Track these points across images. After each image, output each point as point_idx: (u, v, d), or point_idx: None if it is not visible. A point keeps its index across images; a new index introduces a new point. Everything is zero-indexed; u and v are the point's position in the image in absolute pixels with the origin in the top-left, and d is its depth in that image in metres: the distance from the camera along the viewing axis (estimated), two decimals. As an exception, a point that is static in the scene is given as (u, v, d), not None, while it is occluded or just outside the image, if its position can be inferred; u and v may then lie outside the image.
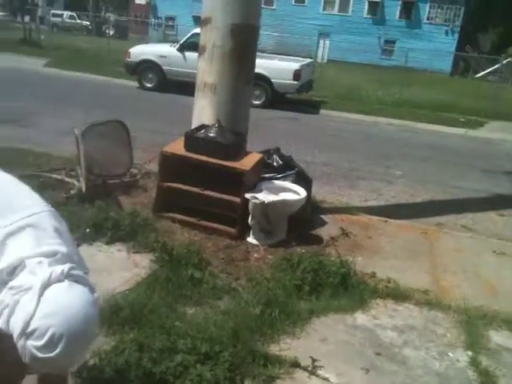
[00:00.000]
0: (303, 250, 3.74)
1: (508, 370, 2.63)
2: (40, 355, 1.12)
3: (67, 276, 1.19)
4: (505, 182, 7.05)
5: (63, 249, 1.27)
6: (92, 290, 1.25)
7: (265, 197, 3.86)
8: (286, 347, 2.57)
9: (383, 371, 2.51)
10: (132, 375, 2.03)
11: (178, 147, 4.05)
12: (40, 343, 1.12)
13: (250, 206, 3.85)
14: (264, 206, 3.82)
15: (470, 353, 2.75)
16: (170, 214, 4.02)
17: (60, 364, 1.18)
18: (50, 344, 1.12)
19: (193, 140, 4.00)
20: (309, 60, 13.80)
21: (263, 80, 11.10)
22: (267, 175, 4.34)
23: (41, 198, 1.41)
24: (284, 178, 4.33)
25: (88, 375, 1.97)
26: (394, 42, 31.58)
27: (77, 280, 1.22)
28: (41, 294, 1.14)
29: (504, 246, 4.32)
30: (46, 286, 1.16)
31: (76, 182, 4.22)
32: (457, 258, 4.02)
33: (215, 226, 3.93)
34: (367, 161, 7.43)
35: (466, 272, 3.76)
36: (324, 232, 4.24)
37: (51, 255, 1.23)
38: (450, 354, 2.73)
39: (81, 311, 1.16)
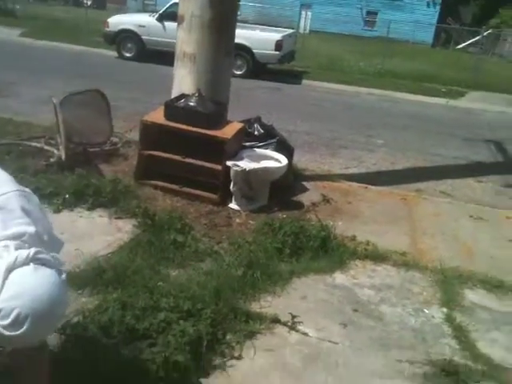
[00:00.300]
0: (284, 215, 3.80)
1: (481, 326, 2.74)
2: (6, 333, 1.17)
3: (33, 260, 1.22)
4: (484, 150, 7.16)
5: (31, 229, 1.28)
6: (59, 271, 1.28)
7: (246, 164, 3.89)
8: (267, 305, 2.64)
9: (360, 326, 2.60)
10: (115, 331, 2.08)
11: (158, 116, 4.04)
12: (5, 322, 1.16)
13: (232, 173, 3.88)
14: (245, 173, 3.85)
15: (444, 310, 2.85)
16: (152, 182, 4.03)
17: (26, 341, 1.23)
18: (16, 323, 1.16)
19: (173, 109, 3.99)
20: (291, 30, 13.68)
21: (245, 50, 11.00)
22: (248, 144, 4.36)
23: (10, 177, 1.42)
24: (265, 147, 4.35)
25: (72, 332, 2.01)
26: (375, 14, 31.32)
27: (43, 263, 1.24)
28: (5, 277, 1.17)
29: (481, 211, 4.42)
30: (10, 270, 1.18)
31: (55, 151, 4.18)
32: (435, 222, 4.11)
33: (197, 192, 3.95)
34: (349, 130, 7.47)
35: (444, 235, 3.86)
36: (305, 198, 4.30)
37: (18, 237, 1.25)
38: (425, 310, 2.82)
39: (46, 292, 1.20)
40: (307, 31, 27.76)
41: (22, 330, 1.16)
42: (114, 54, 12.52)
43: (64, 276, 1.28)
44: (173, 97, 4.25)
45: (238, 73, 10.79)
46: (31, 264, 1.21)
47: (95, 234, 3.16)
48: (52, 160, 4.08)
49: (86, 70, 10.07)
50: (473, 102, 11.34)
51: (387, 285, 3.04)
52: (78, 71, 9.61)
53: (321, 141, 6.69)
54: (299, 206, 4.13)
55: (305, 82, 12.05)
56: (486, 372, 2.32)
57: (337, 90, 11.39)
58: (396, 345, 2.48)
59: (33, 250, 1.23)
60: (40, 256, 1.24)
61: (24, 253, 1.21)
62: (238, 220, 3.74)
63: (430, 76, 13.81)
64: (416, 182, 5.37)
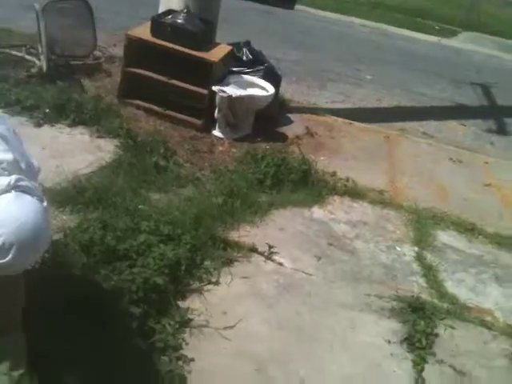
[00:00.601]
0: (267, 146, 3.78)
1: (449, 266, 2.86)
2: None
3: (14, 187, 1.19)
4: (470, 92, 7.12)
5: (9, 156, 1.24)
6: (41, 199, 1.25)
7: (232, 91, 3.81)
8: (245, 234, 2.70)
9: (334, 259, 2.69)
10: (96, 250, 2.11)
11: (144, 32, 3.87)
12: None
13: (217, 99, 3.80)
14: (231, 100, 3.78)
15: (416, 248, 2.96)
16: (135, 101, 3.93)
17: (11, 269, 1.22)
18: (1, 252, 1.14)
19: (159, 25, 3.82)
20: (287, -51, 12.96)
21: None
22: (236, 69, 4.24)
23: None
24: (253, 73, 4.24)
25: (53, 249, 2.03)
26: None
27: (24, 190, 1.21)
28: None
29: (461, 155, 4.48)
30: None
31: (37, 61, 4.01)
32: (414, 162, 4.17)
33: (181, 116, 3.88)
34: (338, 62, 7.31)
35: (422, 176, 3.93)
36: (289, 130, 4.27)
37: None
38: (397, 248, 2.93)
39: (30, 220, 1.18)
40: (303, -49, 26.36)
41: (7, 259, 1.16)
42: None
43: (45, 204, 1.27)
44: (160, 12, 4.06)
45: (229, -9, 10.29)
46: (13, 191, 1.18)
47: (76, 151, 3.12)
48: (33, 70, 3.92)
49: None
50: (464, 42, 11.13)
51: (363, 221, 3.13)
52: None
53: (309, 71, 6.54)
54: (283, 137, 4.11)
55: (298, 7, 11.58)
56: (450, 310, 2.45)
57: (330, 18, 11.01)
58: (367, 279, 2.59)
59: (14, 177, 1.20)
60: (21, 183, 1.21)
61: (5, 180, 1.18)
62: (220, 148, 3.72)
63: (425, 11, 13.41)
64: (400, 121, 5.36)
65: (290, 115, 4.59)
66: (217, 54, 3.90)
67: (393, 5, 13.34)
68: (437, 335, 2.27)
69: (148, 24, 3.88)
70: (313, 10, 11.42)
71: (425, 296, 2.54)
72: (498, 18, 14.58)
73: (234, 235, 2.66)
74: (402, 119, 5.44)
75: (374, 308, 2.39)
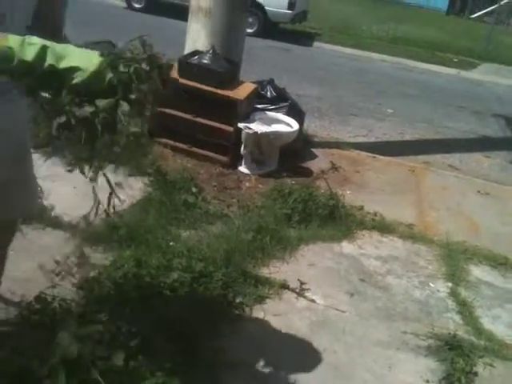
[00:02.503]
0: (293, 182, 3.81)
1: (485, 302, 2.79)
2: None
3: None
4: (493, 124, 7.10)
5: None
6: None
7: (258, 127, 3.86)
8: (276, 270, 2.68)
9: (367, 296, 2.65)
10: (130, 288, 2.11)
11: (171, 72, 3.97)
12: None
13: (243, 135, 3.85)
14: (257, 137, 3.83)
15: (449, 284, 2.90)
16: (162, 140, 4.00)
17: None
18: None
19: (186, 66, 3.92)
20: (305, -11, 13.30)
21: (257, 7, 10.72)
22: (260, 106, 4.32)
23: None
24: (277, 110, 4.31)
25: (88, 287, 2.04)
26: (392, -24, 30.44)
27: None
28: None
29: (488, 187, 4.43)
30: None
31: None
32: (442, 195, 4.13)
33: (208, 153, 3.94)
34: (359, 97, 7.38)
35: (450, 209, 3.88)
36: (314, 165, 4.29)
37: None
38: (430, 284, 2.87)
39: None
40: (320, -10, 26.98)
41: None
42: (123, 4, 12.20)
43: None
44: (186, 53, 4.17)
45: (249, 31, 10.52)
46: None
47: (108, 190, 3.15)
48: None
49: (90, 18, 9.83)
50: (484, 74, 11.15)
51: (393, 256, 3.09)
52: (80, 18, 9.38)
53: (330, 107, 6.61)
54: (308, 172, 4.13)
55: (316, 44, 11.80)
56: (488, 347, 2.38)
57: (348, 54, 11.18)
58: (401, 316, 2.53)
59: None
60: None
61: None
62: (247, 184, 3.74)
63: (443, 44, 13.52)
64: (424, 154, 5.35)
65: (314, 150, 4.62)
66: (242, 92, 3.97)
67: (411, 39, 13.51)
68: (476, 374, 2.20)
69: (175, 65, 4.00)
70: (330, 47, 11.62)
71: (461, 333, 2.47)
72: (516, 50, 14.61)
73: (264, 271, 2.65)
74: (425, 152, 5.43)
75: (410, 346, 2.33)
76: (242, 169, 3.91)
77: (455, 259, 3.14)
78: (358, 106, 6.90)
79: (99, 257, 2.40)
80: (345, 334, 2.33)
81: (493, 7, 26.34)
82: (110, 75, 1.10)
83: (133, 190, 3.21)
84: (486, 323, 2.60)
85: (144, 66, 1.18)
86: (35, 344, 1.58)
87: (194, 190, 3.29)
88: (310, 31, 12.89)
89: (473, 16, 28.01)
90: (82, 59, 1.08)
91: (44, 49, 1.06)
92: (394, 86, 8.64)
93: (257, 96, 4.30)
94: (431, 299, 2.72)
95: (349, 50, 11.44)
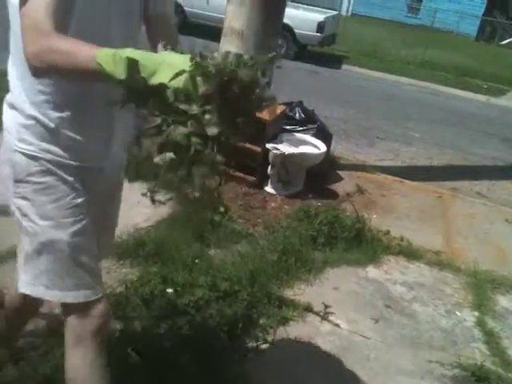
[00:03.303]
0: (319, 203, 3.80)
1: (512, 332, 2.73)
2: None
3: None
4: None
5: None
6: None
7: (285, 148, 3.89)
8: (300, 292, 2.67)
9: (392, 323, 2.61)
10: (156, 304, 2.13)
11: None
12: None
13: (271, 156, 3.88)
14: (284, 158, 3.86)
15: (476, 313, 2.84)
16: (191, 158, 4.05)
17: None
18: None
19: (216, 86, 3.98)
20: (334, 12, 13.42)
21: (286, 29, 10.84)
22: (288, 127, 4.35)
23: None
24: (305, 132, 4.34)
25: (115, 301, 2.07)
26: (421, 1, 30.50)
27: None
28: None
29: (517, 216, 4.36)
30: None
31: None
32: (470, 223, 4.07)
33: (235, 173, 3.97)
34: (386, 120, 7.37)
35: (478, 237, 3.82)
36: (340, 187, 4.29)
37: None
38: (457, 312, 2.82)
39: None
40: (349, 14, 27.23)
41: None
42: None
43: None
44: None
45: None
46: None
47: (134, 205, 3.21)
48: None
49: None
50: (514, 101, 11.04)
51: (420, 283, 3.04)
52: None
53: (357, 129, 6.62)
54: (334, 194, 4.13)
55: (344, 67, 11.87)
56: (516, 380, 2.32)
57: (376, 77, 11.21)
58: (427, 344, 2.49)
59: None
60: None
61: None
62: (273, 204, 3.76)
63: (472, 70, 13.46)
64: (451, 180, 5.29)
65: (339, 172, 4.62)
66: (270, 113, 4.01)
67: (440, 64, 13.48)
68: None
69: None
70: (358, 70, 11.67)
71: (488, 364, 2.41)
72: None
73: (288, 293, 2.64)
74: (453, 178, 5.37)
75: (435, 375, 2.29)
76: (268, 189, 3.93)
77: (482, 288, 3.08)
78: (385, 129, 6.89)
79: (126, 271, 2.43)
80: (369, 360, 2.30)
81: (522, 34, 26.22)
82: (202, 89, 0.98)
83: (159, 206, 3.25)
84: (514, 356, 2.53)
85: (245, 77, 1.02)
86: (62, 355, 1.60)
87: (220, 208, 3.31)
88: (338, 54, 12.98)
89: (503, 43, 27.89)
90: (171, 73, 0.98)
91: (135, 62, 0.99)
92: (421, 110, 8.61)
93: (285, 117, 4.34)
94: (457, 328, 2.67)
95: (376, 74, 11.47)
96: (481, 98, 10.91)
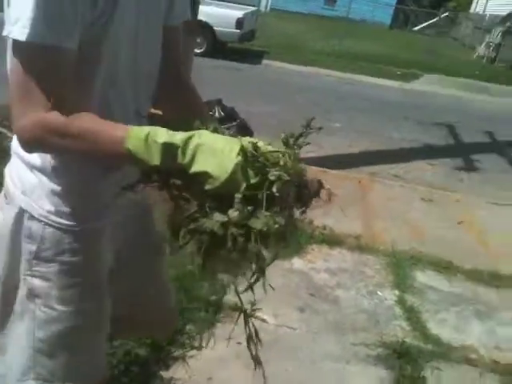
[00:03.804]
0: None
1: (431, 306, 2.88)
2: None
3: None
4: (436, 132, 7.38)
5: None
6: None
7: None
8: (227, 292, 2.69)
9: (317, 311, 2.69)
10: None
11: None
12: None
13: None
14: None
15: (397, 292, 2.98)
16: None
17: None
18: None
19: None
20: (252, 8, 13.53)
21: (205, 27, 10.83)
22: (208, 126, 4.35)
23: None
24: (225, 129, 4.35)
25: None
26: (336, -8, 31.39)
27: None
28: None
29: (432, 194, 4.60)
30: None
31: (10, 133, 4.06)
32: (387, 205, 4.25)
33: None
34: (308, 113, 7.53)
35: (396, 218, 4.00)
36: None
37: None
38: (378, 293, 2.95)
39: None
40: (268, 9, 27.54)
41: None
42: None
43: None
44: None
45: (198, 51, 10.63)
46: None
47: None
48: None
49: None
50: (427, 85, 11.62)
51: (342, 269, 3.15)
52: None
53: (280, 124, 6.72)
54: (258, 190, 4.18)
55: (265, 62, 12.02)
56: (435, 351, 2.46)
57: (296, 71, 11.43)
58: (350, 328, 2.59)
59: None
60: None
61: None
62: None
63: (387, 58, 14.04)
64: (371, 165, 5.51)
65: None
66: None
67: (356, 53, 13.95)
68: (424, 379, 2.27)
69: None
70: (279, 64, 11.86)
71: (409, 339, 2.54)
72: (457, 60, 15.33)
73: (215, 295, 2.65)
74: (372, 163, 5.59)
75: (360, 357, 2.38)
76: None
77: (401, 266, 3.23)
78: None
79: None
80: (296, 351, 2.36)
81: (433, 20, 27.63)
82: (244, 184, 0.87)
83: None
84: (433, 328, 2.68)
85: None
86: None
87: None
88: (258, 50, 13.13)
89: (415, 29, 29.25)
90: (215, 161, 0.84)
91: (173, 147, 0.86)
92: (339, 100, 8.88)
93: (204, 117, 4.34)
94: (379, 308, 2.79)
95: (296, 67, 11.70)
96: (396, 84, 11.40)
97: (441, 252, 3.48)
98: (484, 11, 23.19)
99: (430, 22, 27.57)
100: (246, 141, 0.90)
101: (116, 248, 1.24)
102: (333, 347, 2.43)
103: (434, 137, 7.12)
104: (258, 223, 0.89)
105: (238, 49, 12.57)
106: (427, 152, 6.35)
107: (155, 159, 0.86)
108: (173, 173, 0.90)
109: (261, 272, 0.96)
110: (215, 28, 11.16)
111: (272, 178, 0.89)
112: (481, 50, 18.00)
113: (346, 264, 3.21)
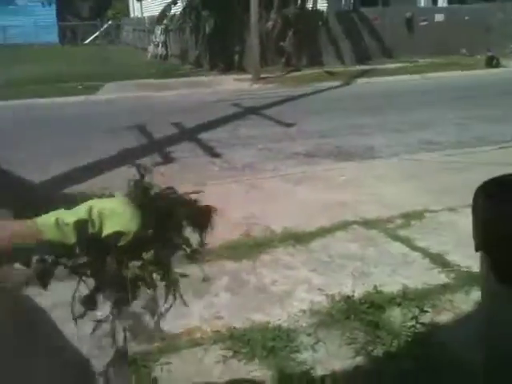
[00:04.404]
0: None
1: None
2: None
3: None
4: (129, 136, 7.42)
5: None
6: None
7: None
8: None
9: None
10: None
11: None
12: None
13: None
14: None
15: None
16: None
17: None
18: None
19: None
20: None
21: None
22: None
23: None
24: None
25: None
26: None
27: None
28: None
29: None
30: None
31: None
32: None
33: None
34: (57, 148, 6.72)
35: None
36: None
37: None
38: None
39: None
40: None
41: None
42: None
43: None
44: None
45: None
46: None
47: None
48: None
49: None
50: (110, 93, 11.76)
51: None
52: None
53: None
54: None
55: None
56: (162, 348, 2.36)
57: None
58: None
59: None
60: None
61: None
62: None
63: (66, 75, 13.69)
64: (75, 184, 5.16)
65: None
66: None
67: (31, 78, 13.21)
68: (156, 380, 2.19)
69: None
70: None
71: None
72: (129, 63, 15.88)
73: None
74: (77, 182, 5.25)
75: None
76: None
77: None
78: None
79: None
80: None
81: (100, 30, 28.05)
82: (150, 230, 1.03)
83: None
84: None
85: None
86: None
87: None
88: None
89: (86, 42, 29.18)
90: (121, 219, 0.97)
91: (83, 223, 0.94)
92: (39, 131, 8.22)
93: None
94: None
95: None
96: (80, 98, 11.20)
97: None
98: (142, 14, 24.57)
99: (97, 33, 27.95)
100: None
101: None
102: None
103: (128, 141, 7.13)
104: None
105: None
106: (125, 157, 6.31)
107: (71, 238, 0.94)
108: (88, 244, 0.98)
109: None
110: None
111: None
112: (151, 50, 19.04)
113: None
